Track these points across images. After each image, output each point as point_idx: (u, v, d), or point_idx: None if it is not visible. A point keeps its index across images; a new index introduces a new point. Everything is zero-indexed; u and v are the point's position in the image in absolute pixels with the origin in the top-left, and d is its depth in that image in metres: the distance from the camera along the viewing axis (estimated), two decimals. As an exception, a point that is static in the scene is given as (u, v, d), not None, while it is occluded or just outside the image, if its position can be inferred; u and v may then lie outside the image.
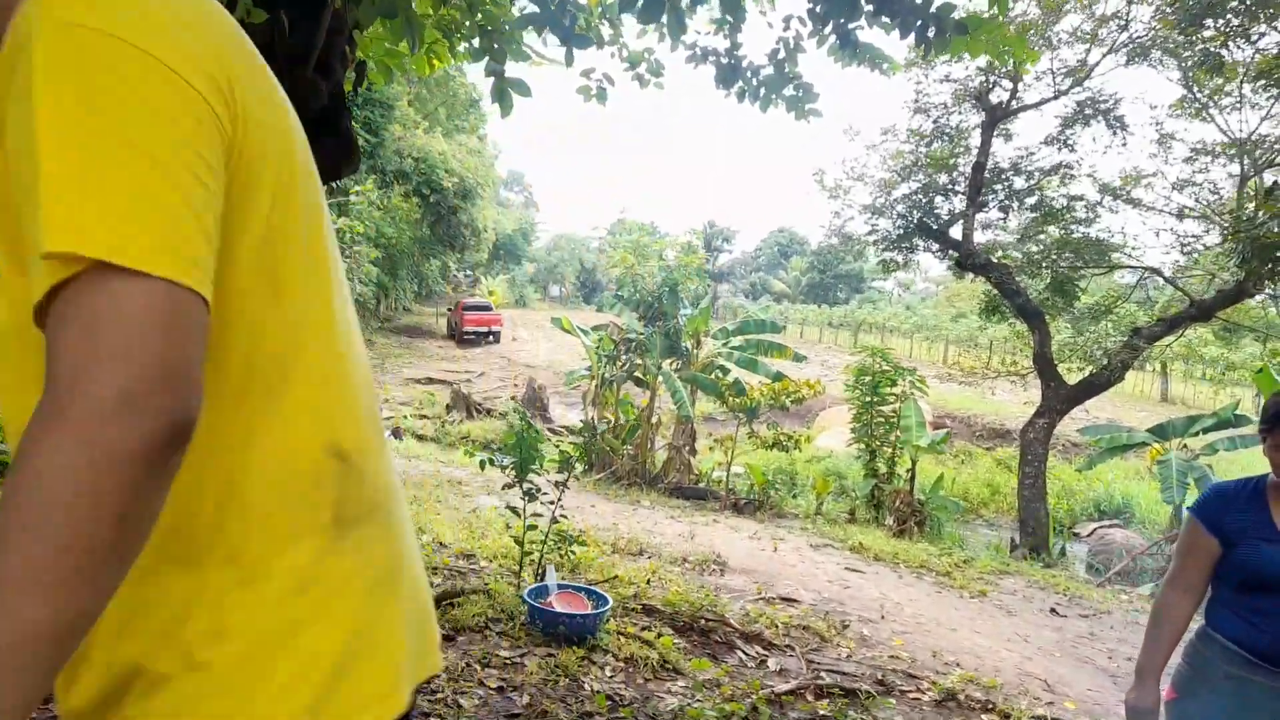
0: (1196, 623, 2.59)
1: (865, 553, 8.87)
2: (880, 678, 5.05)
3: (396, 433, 17.13)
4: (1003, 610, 7.43)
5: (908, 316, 38.84)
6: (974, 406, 20.14)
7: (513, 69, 3.63)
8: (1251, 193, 9.89)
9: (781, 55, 3.81)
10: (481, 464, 5.59)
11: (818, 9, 3.35)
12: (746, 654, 5.16)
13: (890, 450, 11.36)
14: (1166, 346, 12.15)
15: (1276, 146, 9.84)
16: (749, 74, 3.83)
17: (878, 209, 11.40)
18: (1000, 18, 3.21)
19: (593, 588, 5.19)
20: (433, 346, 32.10)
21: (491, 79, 3.53)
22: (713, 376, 12.42)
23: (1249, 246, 6.10)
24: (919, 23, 3.04)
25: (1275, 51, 6.69)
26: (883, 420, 11.32)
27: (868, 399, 11.25)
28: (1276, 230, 5.66)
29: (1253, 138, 9.78)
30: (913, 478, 10.88)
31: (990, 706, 4.92)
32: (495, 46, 3.46)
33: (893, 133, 11.51)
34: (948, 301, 42.58)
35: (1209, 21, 7.13)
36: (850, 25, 3.32)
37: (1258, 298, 11.78)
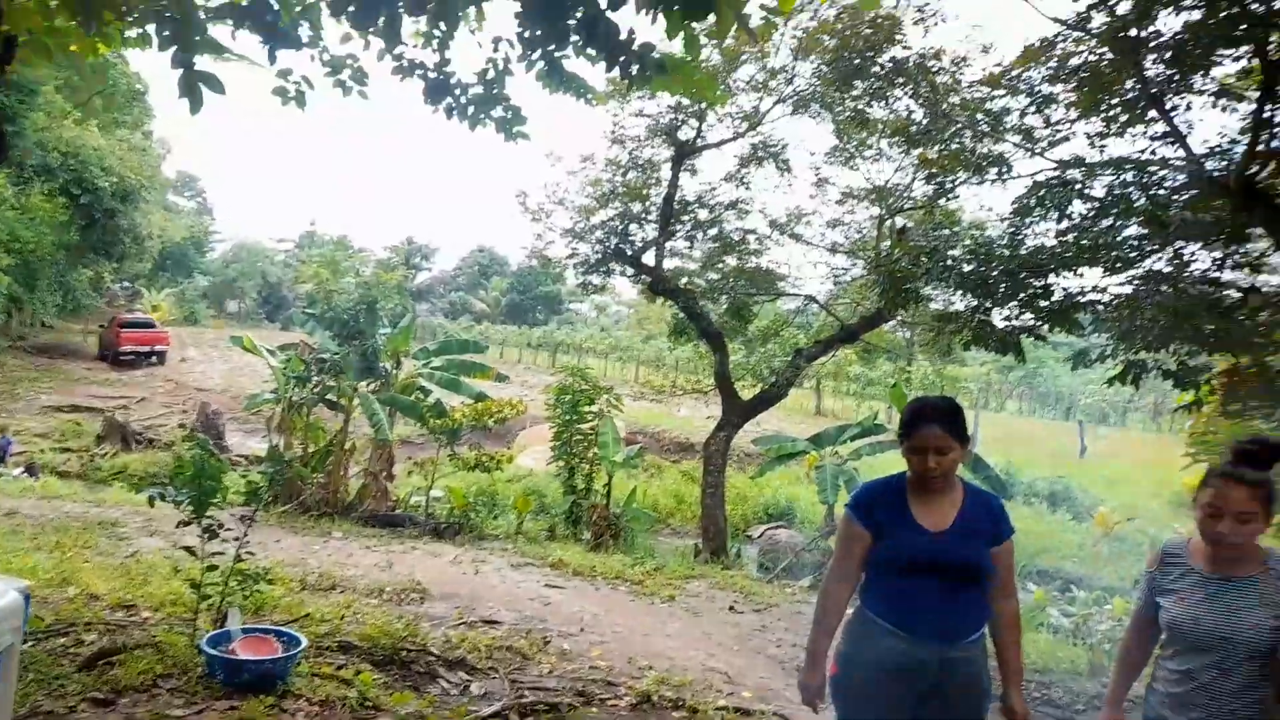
0: (855, 606, 2.94)
1: (565, 568, 9.07)
2: (581, 689, 5.17)
3: (31, 469, 14.74)
4: (690, 612, 7.95)
5: (603, 338, 40.58)
6: (662, 422, 21.47)
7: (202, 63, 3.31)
8: (888, 232, 11.56)
9: (490, 75, 3.84)
10: (151, 500, 4.95)
11: (527, 34, 3.42)
12: (450, 682, 5.05)
13: (588, 467, 11.74)
14: (820, 365, 13.75)
15: (905, 194, 11.58)
16: (458, 91, 3.82)
17: (578, 233, 11.84)
18: (693, 61, 3.50)
19: (282, 629, 4.79)
20: (80, 369, 28.02)
21: (180, 71, 3.18)
22: (413, 398, 12.09)
23: (886, 279, 7.13)
24: (623, 58, 3.22)
25: (906, 114, 7.99)
26: (581, 438, 11.68)
27: (568, 418, 11.56)
28: (906, 265, 6.68)
29: (888, 185, 11.47)
30: (609, 492, 11.33)
31: (680, 704, 5.23)
32: (185, 37, 3.12)
33: (592, 161, 12.05)
34: (639, 324, 45.02)
35: (857, 83, 8.30)
36: (558, 53, 3.43)
37: (891, 323, 13.72)
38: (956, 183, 7.40)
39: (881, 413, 13.44)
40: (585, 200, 12.03)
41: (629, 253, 11.64)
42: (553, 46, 3.38)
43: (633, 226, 11.79)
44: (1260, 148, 5.48)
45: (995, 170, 6.86)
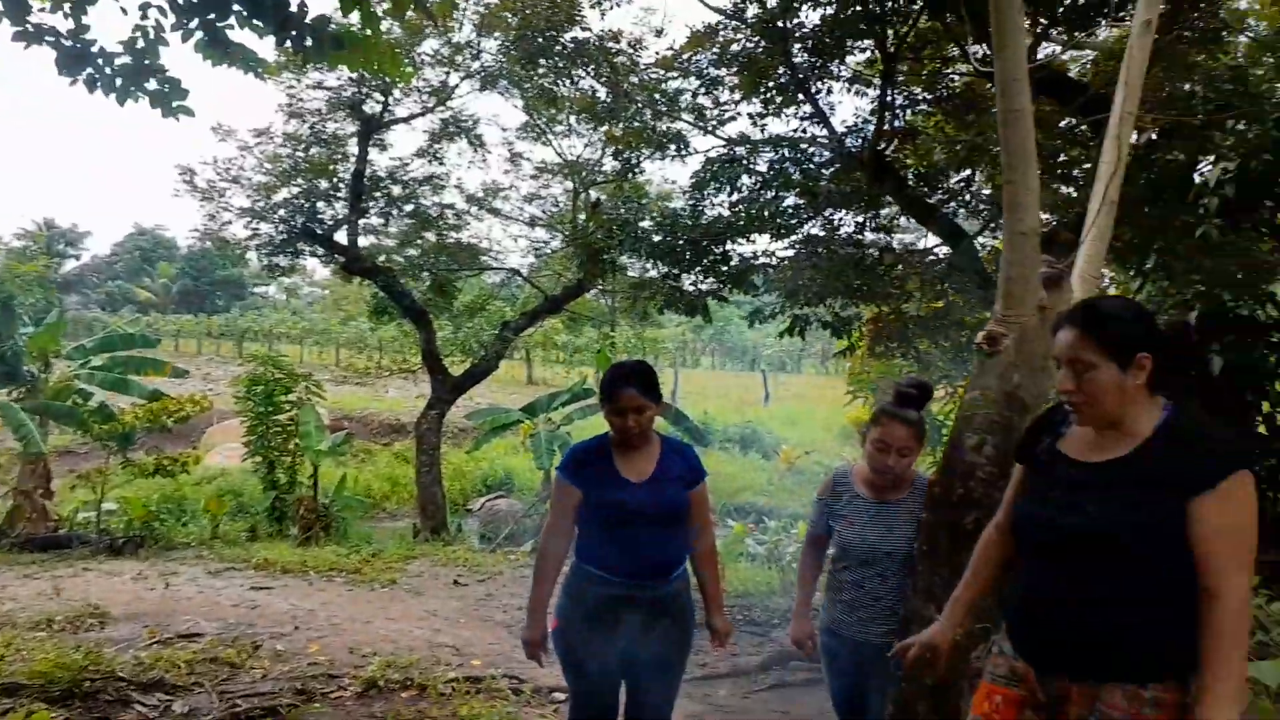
0: (570, 561, 3.13)
1: (272, 568, 8.55)
2: (300, 687, 4.98)
3: None
4: (412, 592, 7.87)
5: (296, 322, 37.96)
6: (370, 405, 20.68)
7: None
8: (583, 206, 11.97)
9: (141, 45, 3.45)
10: None
11: (181, 1, 3.13)
12: (146, 705, 4.62)
13: (290, 459, 11.09)
14: (528, 336, 14.00)
15: (597, 169, 12.03)
16: (100, 61, 3.39)
17: (258, 213, 10.98)
18: (373, 36, 3.39)
19: (-77, 681, 4.11)
20: None
21: None
22: (70, 403, 10.63)
23: (583, 251, 7.44)
24: (294, 31, 3.06)
25: (591, 92, 8.34)
26: (279, 429, 10.98)
27: (262, 409, 10.80)
28: (600, 237, 7.03)
29: (580, 160, 11.87)
30: (315, 484, 10.80)
31: (409, 683, 5.21)
32: None
33: (269, 135, 11.16)
34: (336, 305, 42.69)
35: (542, 61, 8.49)
36: (220, 23, 3.18)
37: (593, 292, 14.26)
38: (641, 159, 7.89)
39: (590, 378, 13.98)
40: (264, 177, 11.18)
41: (318, 232, 11.03)
42: (212, 16, 3.12)
43: (321, 204, 11.17)
44: (885, 127, 6.41)
45: (675, 147, 7.39)
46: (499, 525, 12.26)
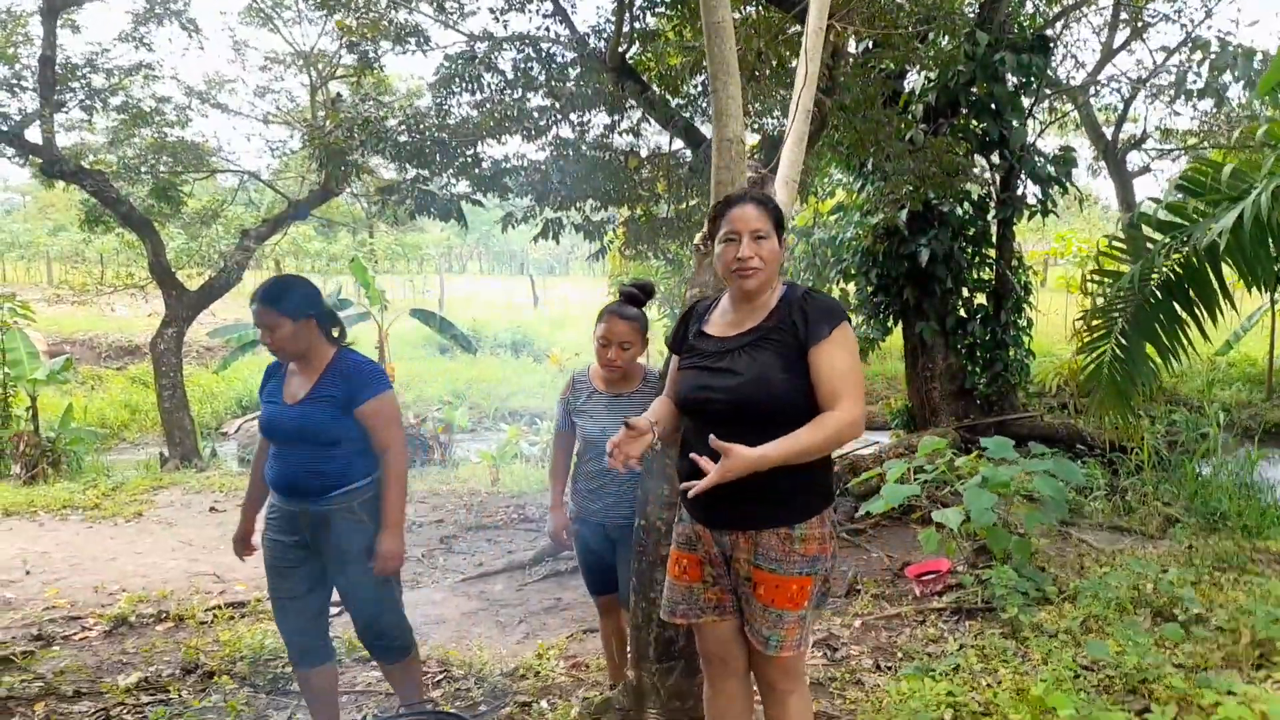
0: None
1: (-9, 512, 7.71)
2: (37, 633, 4.66)
3: None
4: (163, 524, 7.43)
5: (-8, 234, 32.89)
6: (95, 326, 18.60)
7: None
8: (321, 102, 11.21)
9: None
10: None
11: None
12: None
13: (1, 390, 9.89)
14: (275, 244, 13.11)
15: (335, 61, 11.25)
16: None
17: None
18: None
19: None
20: None
21: None
22: None
23: (323, 152, 7.04)
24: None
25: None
26: (-17, 359, 9.72)
27: (-44, 337, 9.48)
28: (342, 137, 6.67)
29: (314, 51, 11.02)
30: (35, 416, 9.73)
31: (164, 616, 5.03)
32: None
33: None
34: (41, 213, 37.38)
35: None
36: None
37: (345, 195, 13.51)
38: (379, 52, 7.48)
39: (347, 286, 13.38)
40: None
41: (3, 128, 9.56)
42: None
43: (3, 96, 9.66)
44: (626, 28, 6.51)
45: (414, 40, 7.07)
46: (254, 446, 11.67)
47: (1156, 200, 4.35)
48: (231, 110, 11.95)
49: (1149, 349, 4.60)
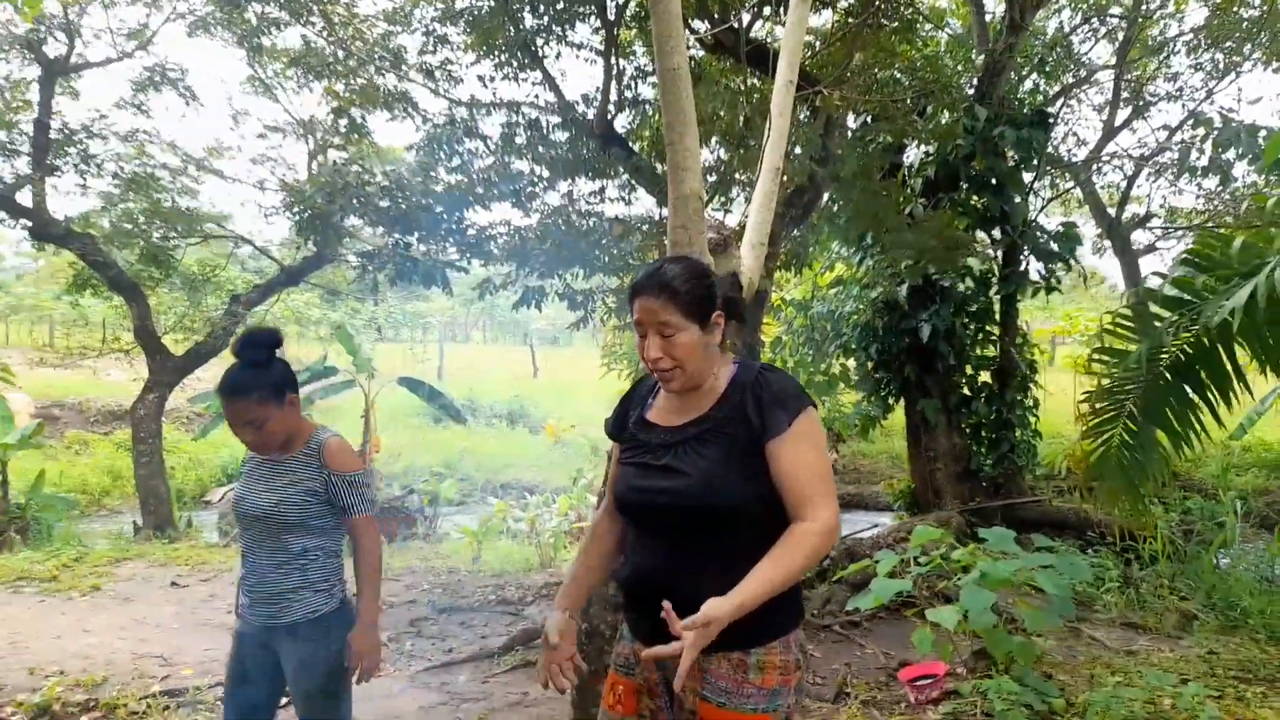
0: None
1: (-59, 583, 7.34)
2: (-54, 726, 4.28)
3: None
4: (119, 599, 7.05)
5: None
6: (86, 390, 18.42)
7: None
8: (319, 170, 11.15)
9: None
10: None
11: None
12: None
13: (-28, 455, 9.59)
14: (269, 311, 12.96)
15: (334, 129, 11.21)
16: None
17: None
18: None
19: None
20: None
21: None
22: None
23: (303, 216, 6.86)
24: None
25: (306, 44, 7.61)
26: (-44, 421, 9.45)
27: (-70, 399, 9.23)
28: (321, 201, 6.51)
29: (313, 119, 11.02)
30: (4, 482, 9.42)
31: (93, 705, 4.63)
32: None
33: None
34: (52, 278, 37.64)
35: (255, 6, 7.70)
36: None
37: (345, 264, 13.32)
38: (368, 117, 7.39)
39: (333, 354, 13.17)
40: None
41: (-3, 192, 9.50)
42: None
43: (-1, 160, 9.63)
44: (614, 98, 6.39)
45: (402, 107, 6.98)
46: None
47: (1162, 275, 4.07)
48: (228, 177, 11.93)
49: (1159, 434, 4.27)
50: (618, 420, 2.19)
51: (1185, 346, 4.04)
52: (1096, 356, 4.32)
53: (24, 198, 9.82)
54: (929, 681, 4.03)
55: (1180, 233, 12.69)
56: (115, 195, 10.42)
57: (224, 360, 13.11)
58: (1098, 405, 4.30)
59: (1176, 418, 4.20)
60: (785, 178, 5.08)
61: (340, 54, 7.04)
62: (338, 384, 11.24)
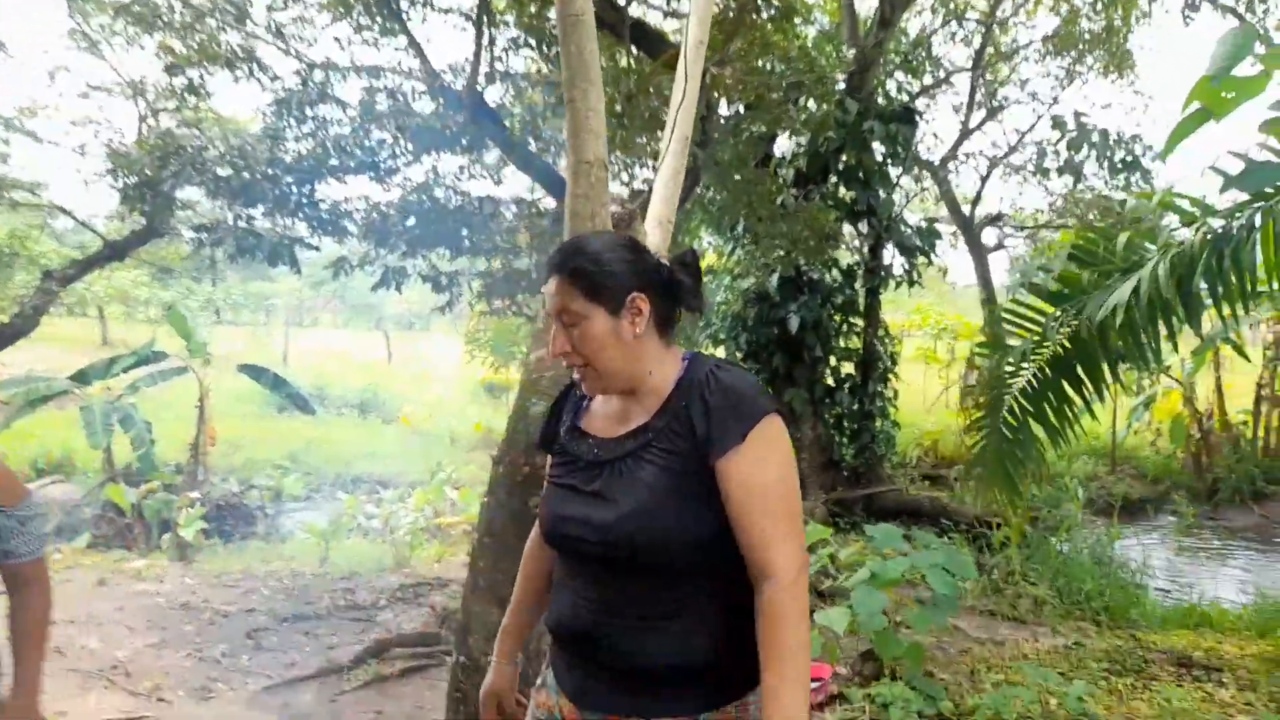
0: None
1: None
2: None
3: None
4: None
5: None
6: None
7: None
8: (146, 133, 10.07)
9: None
10: None
11: None
12: None
13: None
14: (88, 289, 11.68)
15: (172, 90, 10.16)
16: None
17: None
18: None
19: None
20: None
21: None
22: None
23: (129, 184, 6.09)
24: None
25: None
26: None
27: None
28: (150, 168, 5.78)
29: (144, 81, 9.93)
30: None
31: None
32: None
33: None
34: None
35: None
36: None
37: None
38: (208, 78, 6.64)
39: (163, 336, 12.01)
40: None
41: None
42: None
43: None
44: (485, 68, 5.97)
45: (247, 67, 6.29)
46: (50, 517, 10.12)
47: (1048, 270, 4.08)
48: (43, 139, 10.63)
49: (1036, 428, 4.30)
50: (547, 428, 1.82)
51: (1065, 341, 4.06)
52: (979, 350, 4.28)
53: None
54: (816, 685, 3.90)
55: (1026, 231, 13.42)
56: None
57: (34, 342, 11.75)
58: (979, 399, 4.27)
59: (1054, 413, 4.23)
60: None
61: (176, 5, 6.26)
62: (168, 370, 10.22)
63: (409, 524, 9.21)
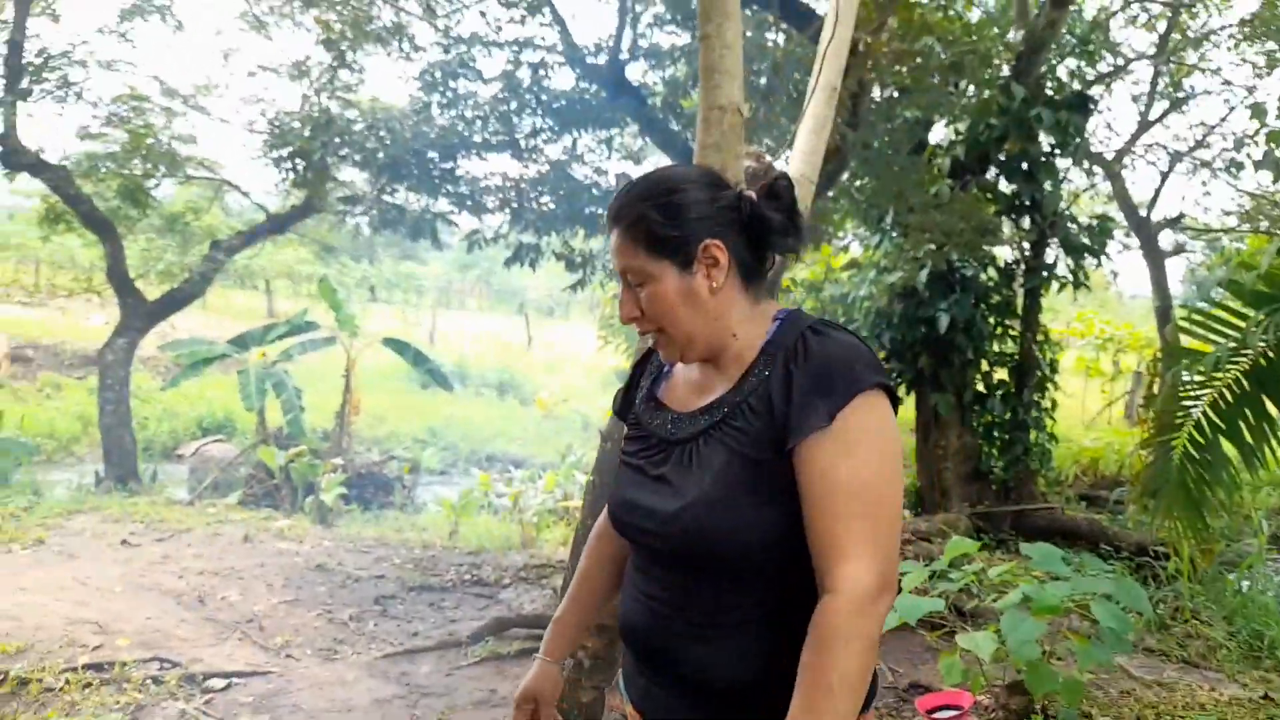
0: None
1: (-126, 529, 6.83)
2: None
3: None
4: (63, 555, 6.54)
5: (-13, 234, 32.26)
6: (64, 333, 17.82)
7: None
8: (311, 110, 10.52)
9: None
10: None
11: None
12: None
13: (-74, 393, 9.06)
14: (253, 260, 12.38)
15: (327, 69, 10.58)
16: None
17: None
18: None
19: None
20: None
21: None
22: None
23: (289, 155, 6.30)
24: None
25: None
26: (-91, 356, 8.91)
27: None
28: (306, 138, 5.94)
29: (308, 61, 10.38)
30: (-46, 422, 8.89)
31: (3, 679, 4.13)
32: None
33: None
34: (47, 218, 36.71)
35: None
36: None
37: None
38: (360, 54, 6.80)
39: (316, 309, 12.60)
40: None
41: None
42: None
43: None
44: (628, 44, 5.81)
45: (398, 40, 6.39)
46: (207, 473, 10.81)
47: (1251, 266, 3.52)
48: (216, 116, 11.32)
49: (1228, 446, 3.75)
50: (626, 392, 1.60)
51: (1269, 351, 3.51)
52: (1164, 357, 3.76)
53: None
54: (952, 715, 3.53)
55: (1208, 236, 12.15)
56: (94, 127, 9.81)
57: (207, 311, 12.58)
58: (1161, 412, 3.76)
59: (1250, 431, 3.67)
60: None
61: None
62: (318, 340, 10.70)
63: (537, 505, 9.27)
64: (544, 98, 5.97)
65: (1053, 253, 8.68)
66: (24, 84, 9.12)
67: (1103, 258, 8.73)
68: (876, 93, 7.27)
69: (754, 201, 1.35)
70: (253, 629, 5.46)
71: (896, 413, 1.32)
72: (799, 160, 1.94)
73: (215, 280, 11.65)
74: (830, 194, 7.46)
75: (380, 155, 6.19)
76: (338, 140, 5.88)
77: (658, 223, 1.31)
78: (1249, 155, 9.23)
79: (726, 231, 1.33)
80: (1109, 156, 11.36)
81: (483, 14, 6.06)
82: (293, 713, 4.24)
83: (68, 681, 4.18)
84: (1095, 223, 8.62)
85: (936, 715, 3.60)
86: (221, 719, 4.07)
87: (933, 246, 7.50)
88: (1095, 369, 15.81)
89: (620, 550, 1.57)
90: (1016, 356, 8.78)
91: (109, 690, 4.16)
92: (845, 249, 10.41)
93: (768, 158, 1.92)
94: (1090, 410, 15.46)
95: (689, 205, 1.32)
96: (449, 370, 15.15)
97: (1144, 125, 11.41)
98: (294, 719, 4.18)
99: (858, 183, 7.41)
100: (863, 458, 1.22)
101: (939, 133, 8.85)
